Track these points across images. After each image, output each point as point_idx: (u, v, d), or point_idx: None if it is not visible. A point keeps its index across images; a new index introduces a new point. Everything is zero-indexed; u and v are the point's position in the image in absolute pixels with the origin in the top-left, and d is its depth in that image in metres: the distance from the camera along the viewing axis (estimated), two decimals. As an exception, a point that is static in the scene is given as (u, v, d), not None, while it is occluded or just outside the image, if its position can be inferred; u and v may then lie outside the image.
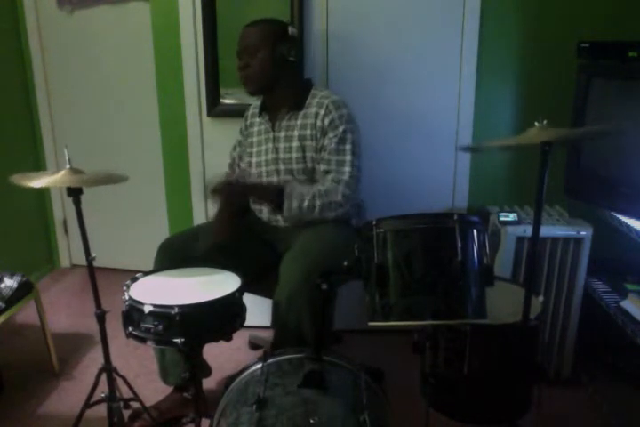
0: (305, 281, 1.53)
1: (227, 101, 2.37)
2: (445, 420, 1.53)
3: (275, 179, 1.91)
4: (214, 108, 2.37)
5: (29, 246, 3.08)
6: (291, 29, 1.85)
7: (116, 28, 2.80)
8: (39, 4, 2.87)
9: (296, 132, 1.85)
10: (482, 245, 1.27)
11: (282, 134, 1.89)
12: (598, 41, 1.91)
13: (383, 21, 2.22)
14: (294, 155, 1.86)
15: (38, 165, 3.08)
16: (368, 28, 2.24)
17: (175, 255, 1.78)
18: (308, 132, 1.84)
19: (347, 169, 1.79)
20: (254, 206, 1.98)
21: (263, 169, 1.93)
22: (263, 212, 1.96)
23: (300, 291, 1.55)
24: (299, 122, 1.86)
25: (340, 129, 1.80)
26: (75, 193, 1.47)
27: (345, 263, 1.29)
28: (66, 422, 1.82)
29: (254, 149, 1.97)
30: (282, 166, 1.88)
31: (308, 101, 1.86)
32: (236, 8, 2.28)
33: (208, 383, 2.02)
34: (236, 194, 1.84)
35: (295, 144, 1.85)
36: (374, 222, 1.27)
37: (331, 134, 1.80)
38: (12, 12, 2.87)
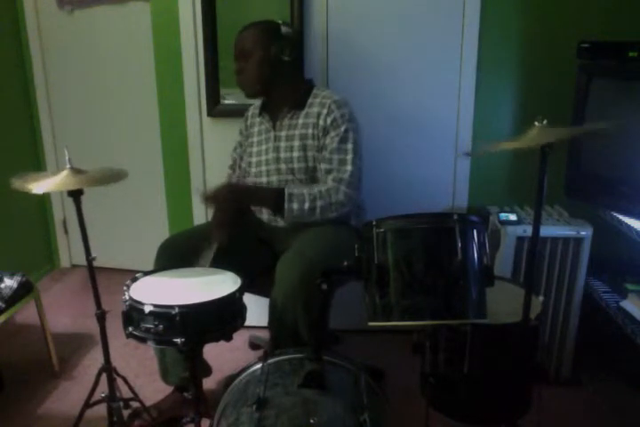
0: (301, 281, 1.53)
1: (227, 102, 2.37)
2: (445, 420, 1.53)
3: (275, 178, 1.91)
4: (214, 108, 2.37)
5: (29, 246, 3.08)
6: (284, 29, 1.84)
7: (116, 28, 2.80)
8: (39, 3, 2.87)
9: (297, 132, 1.86)
10: (482, 245, 1.27)
11: (283, 133, 1.89)
12: (598, 41, 1.91)
13: (383, 21, 2.22)
14: (295, 154, 1.86)
15: (38, 165, 3.08)
16: (368, 28, 2.24)
17: (175, 255, 1.78)
18: (310, 131, 1.84)
19: (348, 168, 1.79)
20: (253, 207, 1.98)
21: (263, 168, 1.93)
22: (263, 212, 1.96)
23: (297, 290, 1.55)
24: (300, 121, 1.86)
25: (342, 128, 1.80)
26: (75, 194, 1.46)
27: (345, 263, 1.30)
28: (66, 422, 1.82)
29: (254, 149, 1.97)
30: (283, 165, 1.88)
31: (309, 101, 1.86)
32: (236, 8, 2.28)
33: (208, 383, 2.02)
34: (234, 199, 1.83)
35: (297, 143, 1.85)
36: (374, 222, 1.27)
37: (332, 133, 1.80)
38: (12, 13, 2.87)
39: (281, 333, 1.63)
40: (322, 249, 1.66)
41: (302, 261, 1.59)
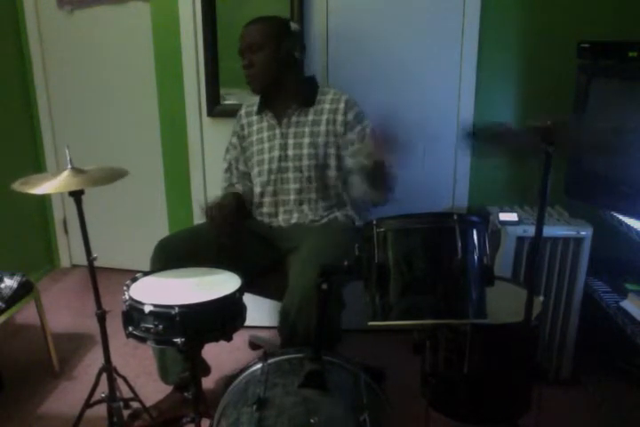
0: (315, 288, 1.51)
1: (227, 102, 2.37)
2: (445, 420, 1.53)
3: (280, 176, 1.90)
4: (214, 108, 2.37)
5: (29, 246, 3.08)
6: (293, 25, 1.85)
7: (116, 28, 2.80)
8: (39, 4, 2.87)
9: (307, 129, 1.86)
10: (482, 245, 1.27)
11: (291, 130, 1.88)
12: (598, 41, 1.91)
13: (383, 20, 2.23)
14: (305, 151, 1.85)
15: (38, 165, 3.08)
16: (368, 26, 2.24)
17: (171, 255, 1.76)
18: (323, 128, 1.84)
19: None
20: (253, 207, 1.98)
21: (265, 167, 1.92)
22: (263, 213, 1.96)
23: (311, 298, 1.51)
24: (310, 118, 1.86)
25: (365, 122, 1.86)
26: (76, 194, 1.47)
27: (345, 263, 1.29)
28: (66, 421, 1.82)
29: (256, 148, 1.95)
30: (290, 163, 1.88)
31: (318, 98, 1.87)
32: (236, 8, 2.28)
33: (208, 383, 2.02)
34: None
35: (306, 140, 1.85)
36: (375, 222, 1.27)
37: (358, 128, 1.85)
38: (12, 13, 2.86)
39: (292, 340, 1.61)
40: (334, 252, 1.63)
41: (317, 267, 1.56)
